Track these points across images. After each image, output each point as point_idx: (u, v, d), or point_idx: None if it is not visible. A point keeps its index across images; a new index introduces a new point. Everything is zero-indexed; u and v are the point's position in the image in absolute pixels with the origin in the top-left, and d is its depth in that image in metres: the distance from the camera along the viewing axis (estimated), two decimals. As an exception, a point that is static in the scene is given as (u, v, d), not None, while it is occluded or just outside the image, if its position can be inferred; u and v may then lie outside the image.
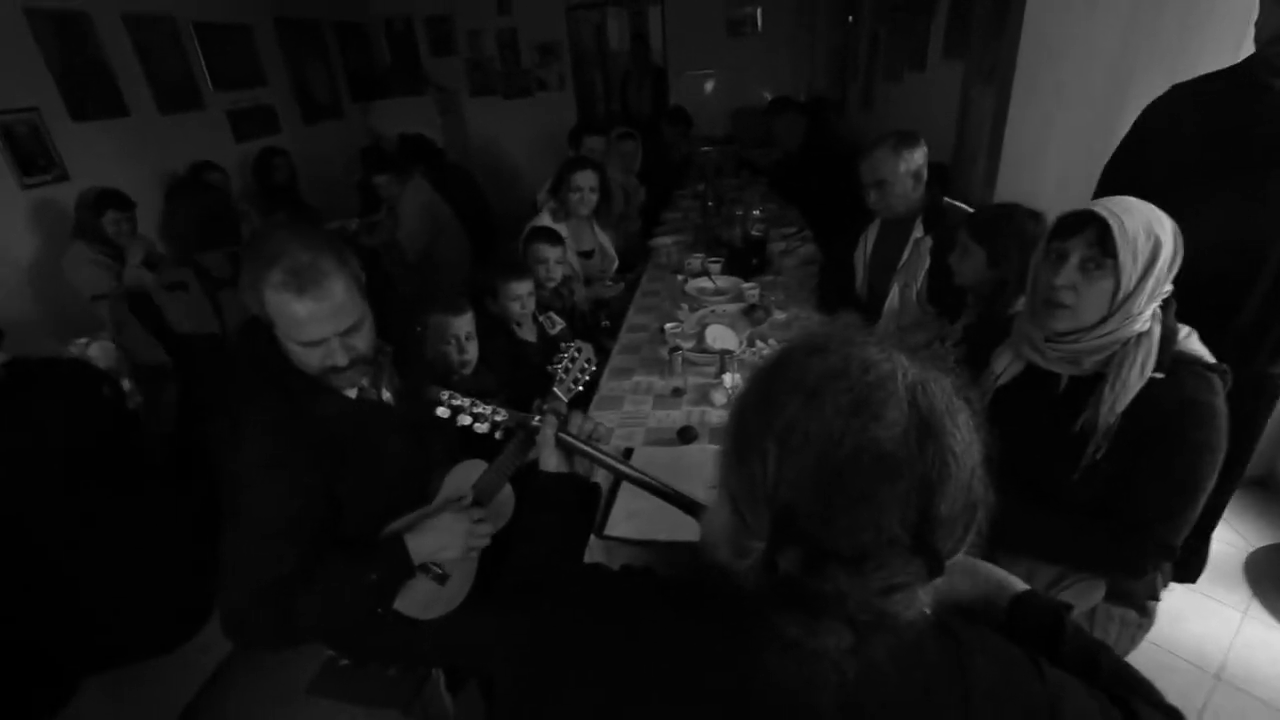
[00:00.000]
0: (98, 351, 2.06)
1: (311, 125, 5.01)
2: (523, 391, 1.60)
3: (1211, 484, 1.02)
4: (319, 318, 1.07)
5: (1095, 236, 1.02)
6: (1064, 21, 1.82)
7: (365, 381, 1.24)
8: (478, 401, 1.19)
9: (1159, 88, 1.55)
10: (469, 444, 1.34)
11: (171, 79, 3.76)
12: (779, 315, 2.34)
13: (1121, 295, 1.02)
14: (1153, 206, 1.02)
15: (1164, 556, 1.05)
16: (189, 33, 3.89)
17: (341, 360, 1.12)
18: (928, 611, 0.53)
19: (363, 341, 1.15)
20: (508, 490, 1.34)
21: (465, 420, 1.17)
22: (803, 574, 0.49)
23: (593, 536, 1.32)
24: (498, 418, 1.19)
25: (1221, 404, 1.02)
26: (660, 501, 0.98)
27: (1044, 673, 0.57)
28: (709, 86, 6.20)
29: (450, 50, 6.18)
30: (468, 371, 1.84)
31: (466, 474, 1.32)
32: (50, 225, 3.05)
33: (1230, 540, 2.20)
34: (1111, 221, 1.00)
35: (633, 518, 1.38)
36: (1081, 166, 1.94)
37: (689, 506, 0.95)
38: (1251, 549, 2.17)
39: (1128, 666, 0.69)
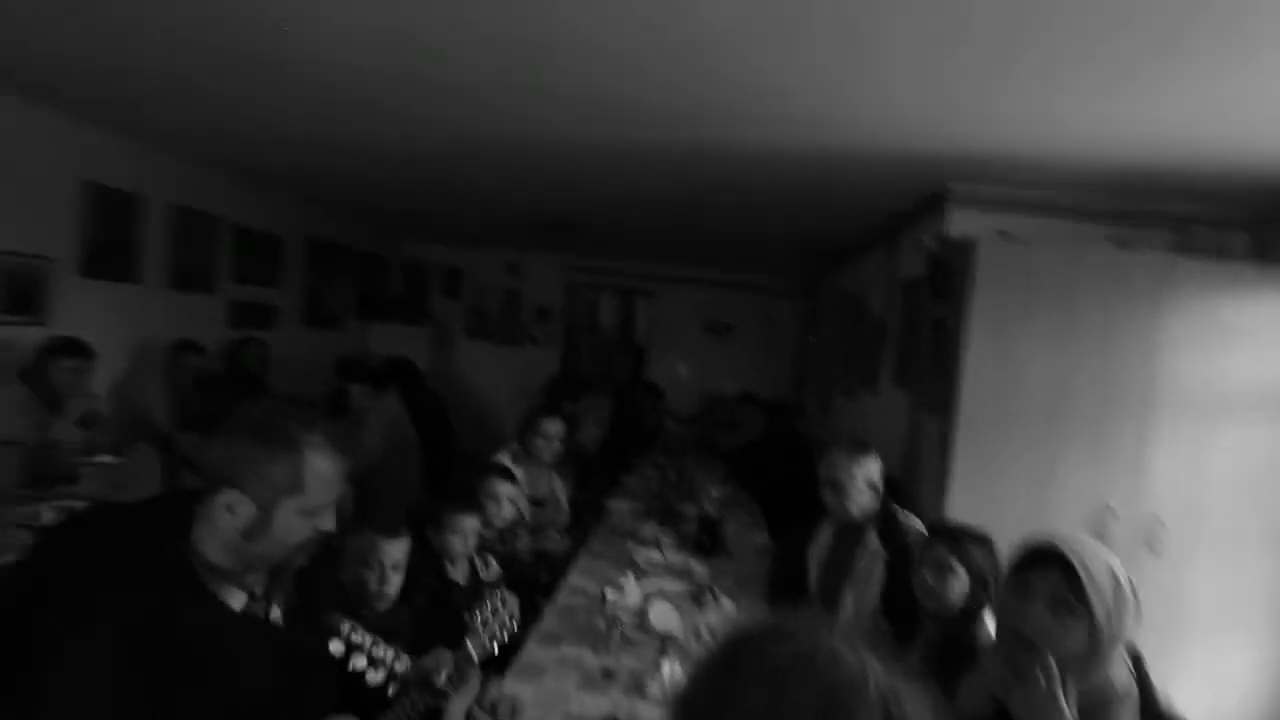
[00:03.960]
0: None
1: (308, 329, 5.24)
2: (433, 633, 1.42)
3: None
4: (340, 476, 1.06)
5: (1061, 576, 0.99)
6: (1003, 367, 2.05)
7: (257, 590, 1.07)
8: (380, 642, 1.02)
9: (1091, 422, 1.67)
10: (348, 696, 1.12)
11: (193, 264, 4.00)
12: (727, 604, 2.19)
13: (1101, 641, 0.97)
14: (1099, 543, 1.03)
15: None
16: (227, 232, 4.26)
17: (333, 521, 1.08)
18: None
19: None
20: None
21: (359, 663, 0.99)
22: None
23: None
24: (398, 666, 1.01)
25: None
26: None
27: None
28: (683, 371, 6.78)
29: (457, 295, 6.81)
30: (382, 606, 1.60)
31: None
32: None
33: None
34: (1078, 567, 0.98)
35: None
36: (1033, 489, 2.06)
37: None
38: None
39: None
